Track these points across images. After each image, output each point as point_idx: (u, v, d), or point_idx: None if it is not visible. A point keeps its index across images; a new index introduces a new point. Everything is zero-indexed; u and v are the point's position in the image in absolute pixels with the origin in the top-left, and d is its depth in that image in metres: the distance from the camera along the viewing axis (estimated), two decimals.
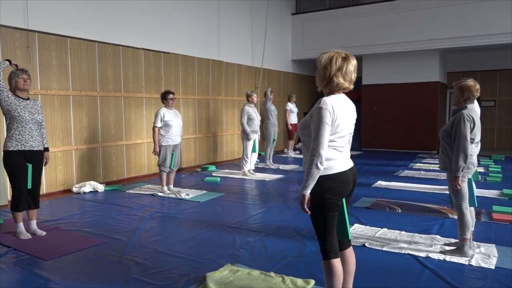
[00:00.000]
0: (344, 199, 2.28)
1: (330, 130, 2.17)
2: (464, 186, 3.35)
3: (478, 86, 3.38)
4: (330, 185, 2.19)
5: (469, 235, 3.38)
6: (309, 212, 2.23)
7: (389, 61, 11.48)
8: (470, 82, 3.38)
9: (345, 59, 2.21)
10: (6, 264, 3.34)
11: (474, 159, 3.38)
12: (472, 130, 3.25)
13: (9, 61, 3.90)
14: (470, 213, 3.53)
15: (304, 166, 2.27)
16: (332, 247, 2.26)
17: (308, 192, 2.19)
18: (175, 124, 5.82)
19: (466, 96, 3.35)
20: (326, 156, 2.15)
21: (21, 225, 4.00)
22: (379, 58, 11.53)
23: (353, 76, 2.25)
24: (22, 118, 3.84)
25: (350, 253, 2.43)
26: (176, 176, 6.65)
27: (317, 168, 2.13)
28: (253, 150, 7.56)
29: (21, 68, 3.97)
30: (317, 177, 2.16)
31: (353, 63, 2.23)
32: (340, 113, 2.19)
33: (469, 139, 3.22)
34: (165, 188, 5.98)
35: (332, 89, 2.24)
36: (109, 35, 6.75)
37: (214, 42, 9.15)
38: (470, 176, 3.41)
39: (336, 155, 2.24)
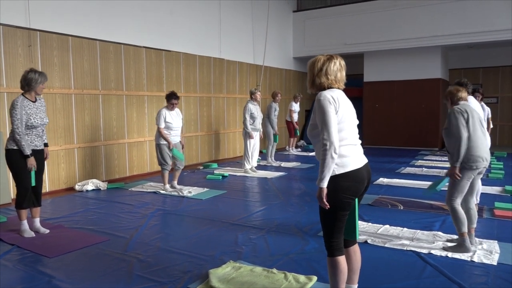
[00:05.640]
0: (356, 199, 2.28)
1: (339, 122, 2.20)
2: (463, 181, 3.37)
3: (460, 90, 3.54)
4: (345, 184, 2.19)
5: (466, 229, 3.37)
6: (328, 206, 2.18)
7: (390, 58, 11.45)
8: (450, 88, 3.62)
9: (328, 59, 2.30)
10: (10, 261, 3.36)
11: (479, 152, 3.35)
12: (467, 121, 3.32)
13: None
14: (472, 210, 3.53)
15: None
16: (338, 244, 2.26)
17: (325, 185, 2.17)
18: (174, 126, 5.86)
19: (451, 101, 3.55)
20: (338, 144, 2.15)
21: (25, 222, 4.01)
22: (380, 55, 11.51)
23: (339, 75, 2.30)
24: (33, 125, 3.89)
25: (355, 250, 2.43)
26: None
27: (332, 157, 2.13)
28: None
29: (40, 71, 3.95)
30: (332, 167, 2.15)
31: (336, 63, 2.30)
32: (341, 103, 2.23)
33: (463, 129, 3.30)
34: (167, 186, 5.99)
35: (317, 88, 2.32)
36: (110, 33, 6.76)
37: (216, 40, 9.15)
38: (480, 170, 3.37)
39: (350, 152, 2.24)
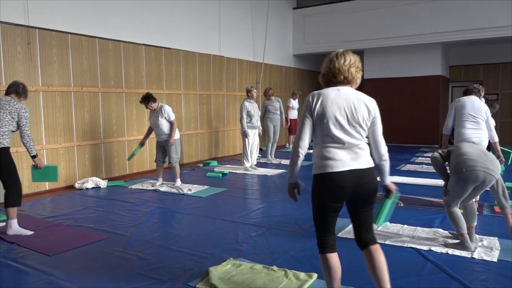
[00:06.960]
0: (390, 199, 2.41)
1: (318, 122, 2.18)
2: (456, 187, 3.34)
3: None
4: (320, 185, 2.19)
5: (465, 230, 3.36)
6: (296, 200, 2.39)
7: (391, 55, 11.42)
8: None
9: (341, 54, 2.26)
10: (9, 260, 3.35)
11: (465, 156, 3.32)
12: (449, 152, 3.58)
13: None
14: (468, 209, 3.52)
15: None
16: (328, 242, 2.26)
17: (292, 181, 2.32)
18: (152, 124, 6.08)
19: None
20: (305, 146, 2.22)
21: (16, 220, 4.01)
22: (381, 52, 11.48)
23: (345, 69, 2.22)
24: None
25: (371, 251, 2.25)
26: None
27: (296, 155, 2.24)
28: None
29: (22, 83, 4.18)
30: (298, 165, 2.26)
31: (344, 56, 2.24)
32: (324, 101, 2.16)
33: (435, 152, 3.68)
34: (159, 179, 6.26)
35: (325, 82, 2.33)
36: (110, 31, 6.74)
37: (215, 37, 9.12)
38: (478, 178, 3.23)
39: (334, 154, 2.14)
